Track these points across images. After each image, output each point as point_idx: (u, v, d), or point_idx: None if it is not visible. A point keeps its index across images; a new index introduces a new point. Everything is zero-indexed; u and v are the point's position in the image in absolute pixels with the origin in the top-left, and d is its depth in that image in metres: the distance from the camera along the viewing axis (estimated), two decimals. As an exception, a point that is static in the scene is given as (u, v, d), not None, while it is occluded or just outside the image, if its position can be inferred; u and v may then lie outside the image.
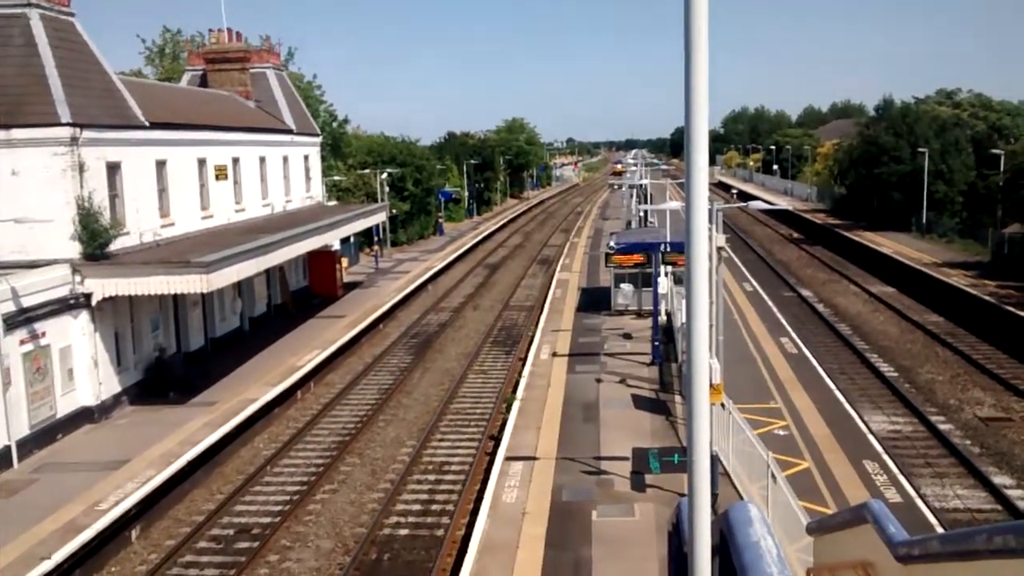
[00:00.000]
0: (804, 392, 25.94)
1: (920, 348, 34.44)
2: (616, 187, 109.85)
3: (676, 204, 29.78)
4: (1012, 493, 20.32)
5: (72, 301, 23.89)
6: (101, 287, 24.20)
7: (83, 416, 24.32)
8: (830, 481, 19.25)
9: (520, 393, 26.96)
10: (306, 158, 45.01)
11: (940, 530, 16.58)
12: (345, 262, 49.29)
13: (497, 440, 23.59)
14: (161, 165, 29.33)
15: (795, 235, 75.70)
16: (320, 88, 65.16)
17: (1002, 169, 56.10)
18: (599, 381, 27.76)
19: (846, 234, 65.06)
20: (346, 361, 34.00)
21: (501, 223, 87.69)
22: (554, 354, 31.58)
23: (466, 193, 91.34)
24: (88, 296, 24.15)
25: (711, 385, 16.42)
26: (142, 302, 27.02)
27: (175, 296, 28.51)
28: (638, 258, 36.09)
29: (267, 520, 19.90)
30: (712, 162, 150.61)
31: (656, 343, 29.54)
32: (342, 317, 38.97)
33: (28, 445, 21.94)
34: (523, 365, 30.92)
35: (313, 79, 65.31)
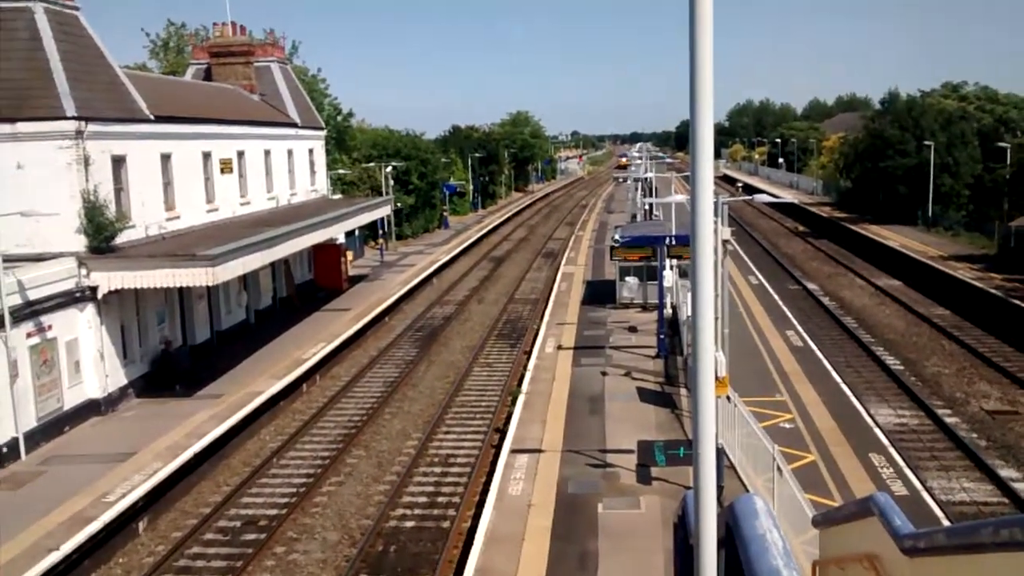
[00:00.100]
0: (810, 385, 25.92)
1: (926, 341, 34.39)
2: (621, 180, 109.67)
3: (681, 197, 29.74)
4: (1018, 486, 20.30)
5: (78, 294, 23.96)
6: (107, 280, 24.26)
7: (90, 409, 24.41)
8: (836, 474, 19.25)
9: (525, 386, 26.99)
10: (311, 151, 45.02)
11: (946, 523, 16.58)
12: (350, 255, 49.34)
13: (503, 433, 23.62)
14: (166, 158, 29.36)
15: (800, 228, 75.55)
16: (324, 81, 65.16)
17: (1008, 162, 55.93)
18: (604, 374, 27.77)
19: (852, 227, 64.92)
20: (351, 354, 34.04)
21: (506, 216, 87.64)
22: (559, 347, 31.59)
23: (471, 186, 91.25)
24: (94, 289, 24.21)
25: (716, 378, 16.40)
26: (148, 295, 27.09)
27: (181, 289, 28.56)
28: (643, 251, 36.07)
29: (274, 512, 19.96)
30: (717, 155, 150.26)
31: (661, 336, 29.54)
32: (347, 310, 39.01)
33: (35, 437, 22.03)
34: (528, 358, 30.93)
35: (317, 72, 65.32)
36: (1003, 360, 30.76)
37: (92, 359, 24.43)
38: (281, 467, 22.93)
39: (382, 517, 19.43)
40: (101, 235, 24.47)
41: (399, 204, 61.24)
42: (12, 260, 22.05)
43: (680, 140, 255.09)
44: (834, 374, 27.23)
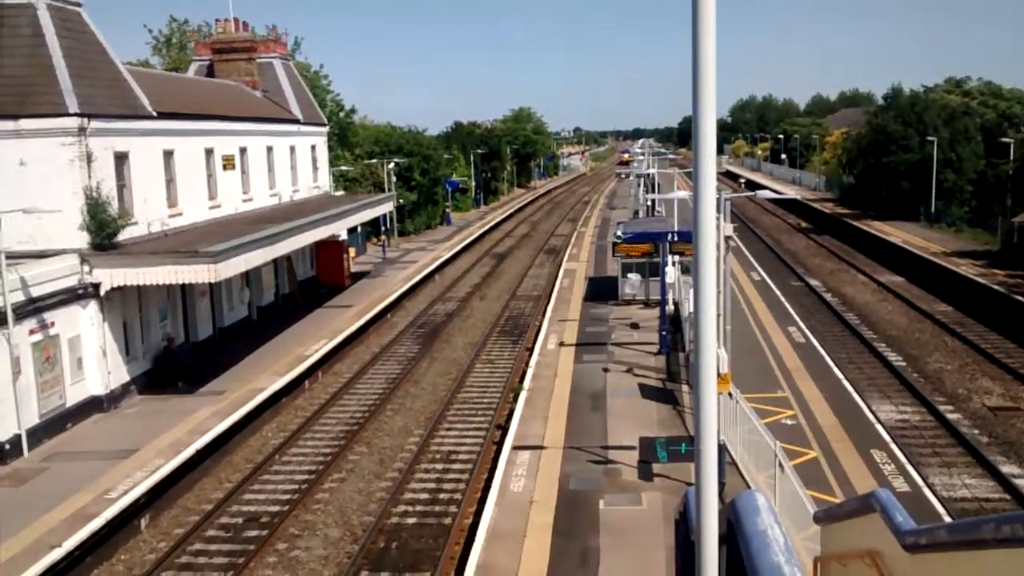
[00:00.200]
0: (812, 382, 25.91)
1: (928, 337, 34.36)
2: (623, 177, 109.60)
3: (684, 193, 29.73)
4: (1020, 482, 20.29)
5: (81, 291, 23.98)
6: (109, 277, 24.28)
7: (92, 405, 24.44)
8: (838, 470, 19.24)
9: (527, 383, 27.00)
10: (313, 148, 45.02)
11: (948, 519, 16.58)
12: (352, 252, 49.34)
13: (504, 429, 23.64)
14: (169, 155, 29.36)
15: (803, 224, 75.49)
16: (327, 78, 65.10)
17: (1012, 158, 55.84)
18: (606, 371, 27.77)
19: (854, 223, 64.85)
20: (354, 351, 34.07)
21: (508, 213, 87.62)
22: (561, 344, 31.59)
23: (473, 183, 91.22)
24: (97, 286, 24.23)
25: (718, 374, 16.40)
26: (150, 292, 27.11)
27: (183, 286, 28.59)
28: (645, 247, 36.08)
29: (276, 509, 19.99)
30: (720, 151, 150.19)
31: (663, 332, 29.54)
32: (349, 307, 39.04)
33: (38, 434, 22.06)
34: (530, 355, 30.94)
35: (320, 69, 65.28)
36: (1005, 356, 30.74)
37: (94, 356, 24.46)
38: (283, 464, 22.95)
39: (384, 514, 19.45)
40: (104, 232, 24.48)
41: (401, 200, 61.24)
42: (15, 257, 22.06)
43: (683, 136, 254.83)
44: (836, 370, 27.22)
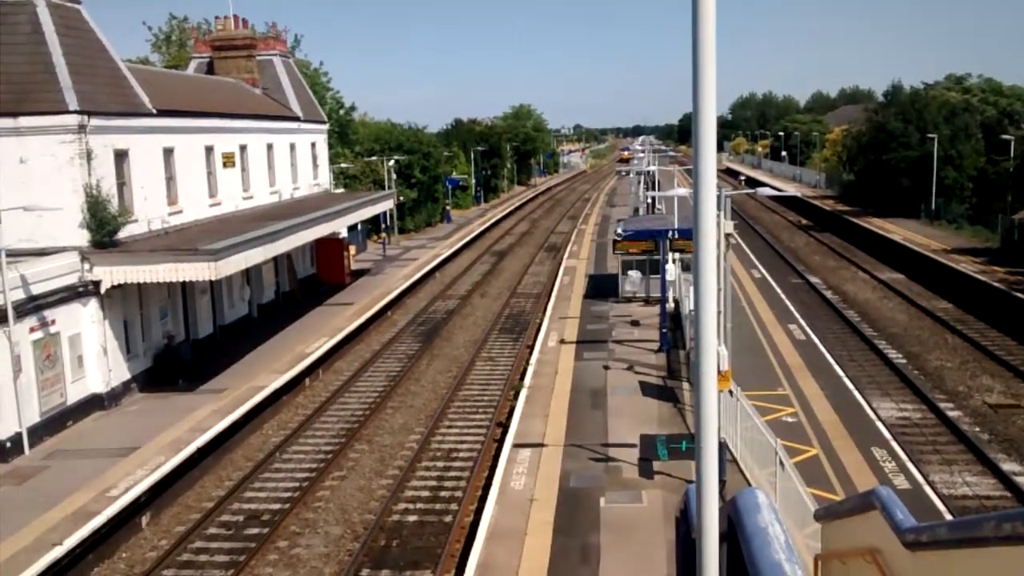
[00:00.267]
0: (812, 379, 25.90)
1: (929, 335, 34.35)
2: (623, 174, 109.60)
3: (684, 191, 29.71)
4: (1021, 480, 20.28)
5: (81, 289, 23.98)
6: (110, 275, 24.28)
7: (93, 403, 24.46)
8: (838, 468, 19.24)
9: (528, 380, 27.00)
10: (313, 145, 45.01)
11: (948, 517, 16.58)
12: (352, 249, 49.33)
13: (505, 427, 23.64)
14: (169, 153, 29.36)
15: (803, 222, 75.46)
16: (327, 75, 65.15)
17: (1012, 155, 55.80)
18: (607, 368, 27.77)
19: (855, 220, 64.82)
20: (354, 348, 34.07)
21: (508, 210, 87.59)
22: (562, 341, 31.58)
23: (473, 180, 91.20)
24: (97, 284, 24.23)
25: (719, 372, 16.40)
26: (151, 289, 27.11)
27: (183, 283, 28.60)
28: (646, 245, 36.02)
29: (276, 506, 19.99)
30: (720, 148, 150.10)
31: (664, 330, 29.54)
32: (350, 304, 39.04)
33: (39, 432, 22.07)
34: (531, 352, 30.94)
35: (320, 66, 65.29)
36: (1006, 354, 30.73)
37: (95, 354, 24.47)
38: (284, 461, 22.96)
39: (385, 511, 19.46)
40: (104, 230, 24.48)
41: (401, 198, 61.23)
42: (15, 255, 22.06)
43: (683, 133, 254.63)
44: (836, 368, 27.22)
